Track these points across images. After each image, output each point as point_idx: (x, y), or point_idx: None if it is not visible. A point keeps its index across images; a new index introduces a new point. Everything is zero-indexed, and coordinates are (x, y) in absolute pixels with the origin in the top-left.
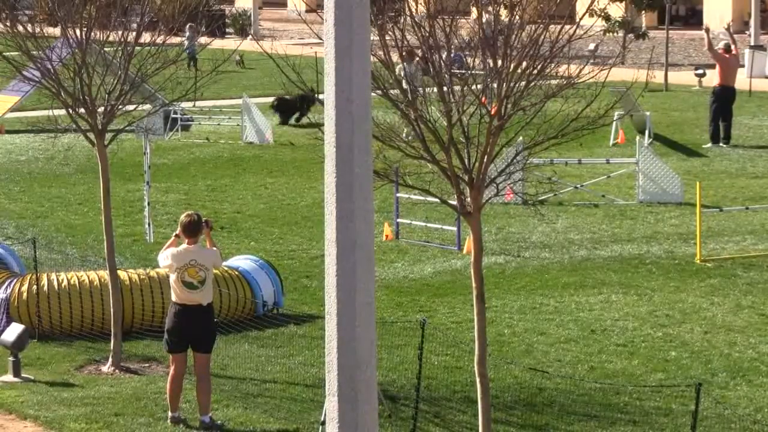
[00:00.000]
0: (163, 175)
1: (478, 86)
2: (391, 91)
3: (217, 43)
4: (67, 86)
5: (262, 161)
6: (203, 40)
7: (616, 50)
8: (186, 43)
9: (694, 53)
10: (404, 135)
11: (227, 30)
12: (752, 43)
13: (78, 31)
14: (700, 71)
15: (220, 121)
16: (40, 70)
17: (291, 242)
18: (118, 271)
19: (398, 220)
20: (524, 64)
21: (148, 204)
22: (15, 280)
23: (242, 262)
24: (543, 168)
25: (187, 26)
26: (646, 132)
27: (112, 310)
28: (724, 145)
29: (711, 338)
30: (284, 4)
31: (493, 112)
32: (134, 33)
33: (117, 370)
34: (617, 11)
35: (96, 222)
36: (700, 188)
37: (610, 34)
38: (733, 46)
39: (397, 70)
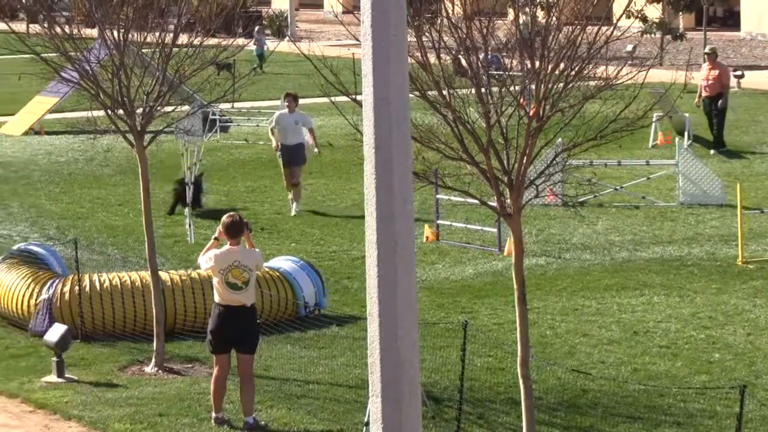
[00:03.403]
0: (203, 177)
1: (516, 88)
2: (429, 93)
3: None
4: (106, 87)
5: None
6: (240, 41)
7: (653, 51)
8: (255, 45)
9: (732, 54)
10: None
11: (265, 32)
12: None
13: (115, 33)
14: (739, 72)
15: (258, 122)
16: (79, 71)
17: (332, 243)
18: (160, 272)
19: (439, 221)
20: (562, 65)
21: (189, 205)
22: (57, 281)
23: (283, 263)
24: (582, 170)
25: (256, 28)
26: (686, 133)
27: (153, 310)
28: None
29: (754, 340)
30: (321, 6)
31: (531, 114)
32: (171, 34)
33: (160, 371)
34: (654, 12)
35: (137, 223)
36: (740, 190)
37: (648, 35)
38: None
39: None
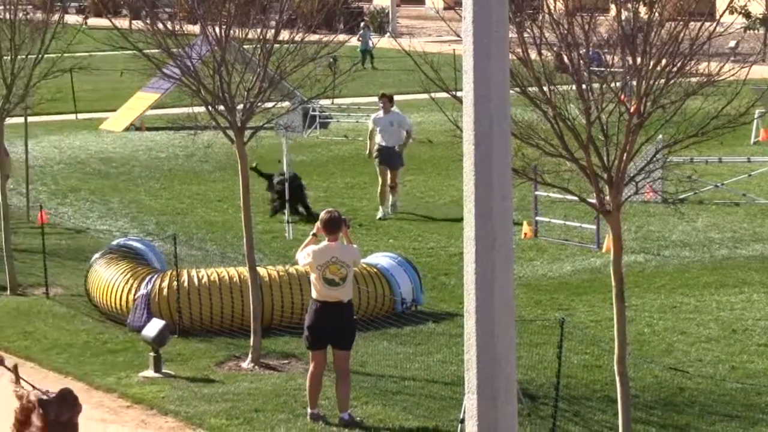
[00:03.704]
0: (302, 173)
1: (617, 84)
2: (529, 89)
3: (355, 41)
4: (207, 83)
5: None
6: (341, 37)
7: (756, 48)
8: (360, 41)
9: None
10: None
11: (370, 28)
12: None
13: (217, 29)
14: None
15: (358, 118)
16: (180, 67)
17: (429, 240)
18: (258, 268)
19: (537, 218)
20: (664, 61)
21: (288, 201)
22: (156, 276)
23: (381, 259)
24: (683, 166)
25: (361, 24)
26: None
27: (251, 306)
28: None
29: None
30: (422, 2)
31: (632, 110)
32: (273, 30)
33: (257, 367)
34: (758, 8)
35: (235, 219)
36: None
37: (751, 31)
38: None
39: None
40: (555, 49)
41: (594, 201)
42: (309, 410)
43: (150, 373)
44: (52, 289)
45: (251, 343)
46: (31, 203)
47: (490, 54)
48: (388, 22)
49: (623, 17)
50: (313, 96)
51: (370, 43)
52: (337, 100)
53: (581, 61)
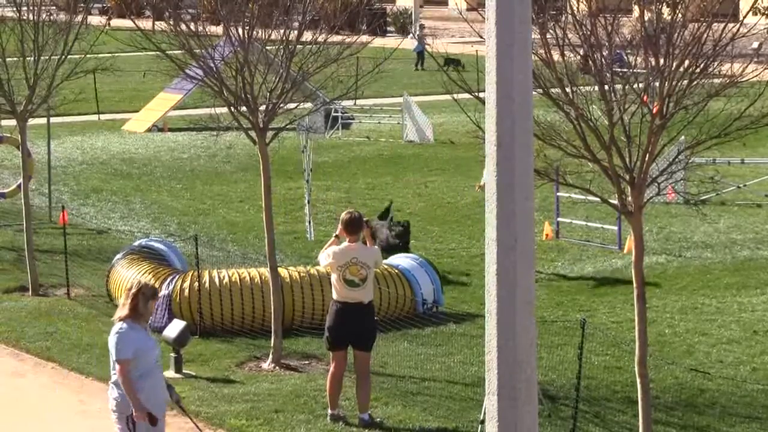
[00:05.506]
0: (324, 173)
1: (640, 85)
2: (552, 90)
3: (378, 42)
4: (229, 84)
5: (422, 160)
6: (364, 38)
7: None
8: (416, 42)
9: None
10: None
11: (388, 28)
12: None
13: (240, 30)
14: None
15: (380, 119)
16: (203, 68)
17: (451, 241)
18: (279, 269)
19: (559, 219)
20: (686, 62)
21: (309, 202)
22: (177, 277)
23: (402, 260)
24: (705, 167)
25: (418, 25)
26: None
27: (272, 307)
28: None
29: None
30: (445, 3)
31: (654, 111)
32: (296, 31)
33: (277, 367)
34: None
35: (257, 219)
36: None
37: None
38: None
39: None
40: (581, 52)
41: (616, 202)
42: (329, 411)
43: (171, 373)
44: (74, 290)
45: (272, 344)
46: (53, 204)
47: (513, 55)
48: (411, 23)
49: (646, 18)
50: (335, 97)
51: (426, 45)
52: (359, 101)
53: (604, 62)
